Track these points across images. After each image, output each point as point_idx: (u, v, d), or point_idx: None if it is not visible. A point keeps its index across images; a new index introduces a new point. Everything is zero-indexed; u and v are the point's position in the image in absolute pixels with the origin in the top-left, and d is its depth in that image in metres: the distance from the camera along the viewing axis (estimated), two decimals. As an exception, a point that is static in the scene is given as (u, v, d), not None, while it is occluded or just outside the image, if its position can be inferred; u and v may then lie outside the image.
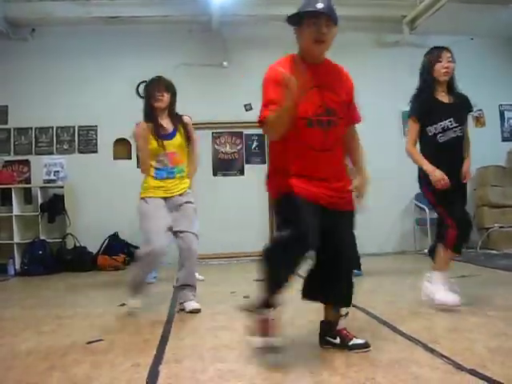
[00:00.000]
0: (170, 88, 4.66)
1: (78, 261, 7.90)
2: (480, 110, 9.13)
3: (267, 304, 2.95)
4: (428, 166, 4.12)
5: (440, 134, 4.22)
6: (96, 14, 8.40)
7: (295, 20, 3.08)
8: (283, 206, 3.00)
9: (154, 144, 4.47)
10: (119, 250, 8.21)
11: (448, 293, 4.09)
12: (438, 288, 4.12)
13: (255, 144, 9.01)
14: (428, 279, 4.23)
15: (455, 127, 4.21)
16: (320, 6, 2.96)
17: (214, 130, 8.85)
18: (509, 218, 8.63)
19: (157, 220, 4.39)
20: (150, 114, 4.56)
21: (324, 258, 3.07)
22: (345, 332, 3.16)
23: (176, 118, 4.64)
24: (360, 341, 3.11)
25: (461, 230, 4.08)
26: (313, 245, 2.86)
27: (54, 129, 8.76)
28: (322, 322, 3.25)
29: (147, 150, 4.47)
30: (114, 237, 8.37)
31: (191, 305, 4.44)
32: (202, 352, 3.19)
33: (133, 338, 3.60)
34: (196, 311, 4.39)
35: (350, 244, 3.33)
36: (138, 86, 8.59)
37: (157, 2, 8.35)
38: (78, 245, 8.25)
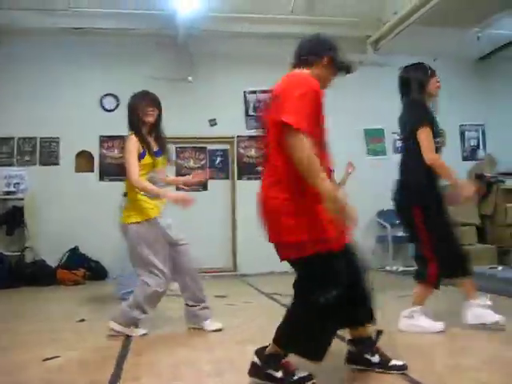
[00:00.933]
0: (159, 104, 4.54)
1: (38, 274, 7.73)
2: (441, 130, 9.25)
3: None
4: (456, 180, 4.03)
5: (436, 149, 4.09)
6: (62, 25, 8.29)
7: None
8: (321, 264, 2.67)
9: (147, 160, 4.27)
10: (79, 265, 8.09)
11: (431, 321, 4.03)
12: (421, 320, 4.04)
13: (219, 159, 8.99)
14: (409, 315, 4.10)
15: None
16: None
17: (178, 145, 8.80)
18: (468, 236, 8.67)
19: (163, 249, 4.27)
20: (138, 129, 4.35)
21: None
22: (382, 351, 3.06)
23: (161, 138, 4.53)
24: (399, 362, 3.02)
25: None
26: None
27: (15, 140, 8.61)
28: (353, 342, 3.09)
29: (137, 165, 4.21)
30: (74, 250, 8.24)
31: (214, 324, 4.31)
32: (160, 369, 3.16)
33: (91, 355, 3.55)
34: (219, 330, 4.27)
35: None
36: (102, 98, 8.56)
37: (123, 15, 8.28)
38: (37, 258, 8.10)
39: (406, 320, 4.09)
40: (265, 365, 2.80)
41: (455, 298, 4.35)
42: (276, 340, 2.79)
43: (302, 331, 2.72)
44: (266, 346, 2.84)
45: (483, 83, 9.67)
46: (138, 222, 4.17)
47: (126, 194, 4.35)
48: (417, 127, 4.09)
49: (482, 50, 9.24)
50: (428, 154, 3.98)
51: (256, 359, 2.83)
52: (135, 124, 4.37)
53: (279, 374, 2.78)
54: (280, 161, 2.68)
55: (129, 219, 4.21)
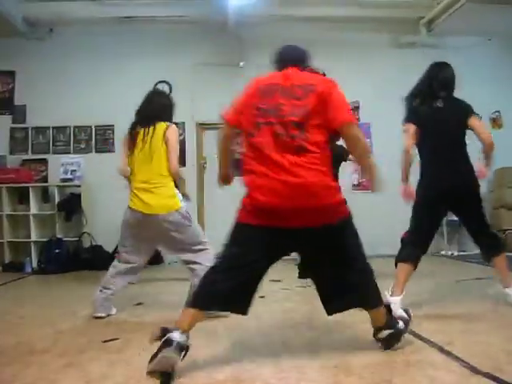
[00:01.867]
0: None
1: (95, 259, 7.90)
2: (498, 111, 9.07)
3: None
4: None
5: None
6: (112, 14, 8.43)
7: None
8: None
9: None
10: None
11: None
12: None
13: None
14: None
15: None
16: None
17: (230, 131, 8.85)
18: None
19: None
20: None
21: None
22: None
23: None
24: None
25: None
26: None
27: (72, 128, 8.82)
28: None
29: None
30: (130, 236, 8.39)
31: None
32: (216, 351, 3.19)
33: (148, 338, 3.60)
34: None
35: None
36: (156, 84, 8.65)
37: (172, 2, 8.36)
38: (94, 244, 8.29)
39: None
40: (390, 328, 3.12)
41: None
42: (371, 304, 3.10)
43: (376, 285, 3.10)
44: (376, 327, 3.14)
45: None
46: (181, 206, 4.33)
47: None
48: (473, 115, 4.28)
49: (541, 27, 8.95)
50: (490, 137, 4.24)
51: (384, 335, 3.11)
52: (171, 115, 4.61)
53: (401, 325, 3.18)
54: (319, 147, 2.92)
55: (177, 205, 4.31)
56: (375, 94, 8.77)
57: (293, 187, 2.81)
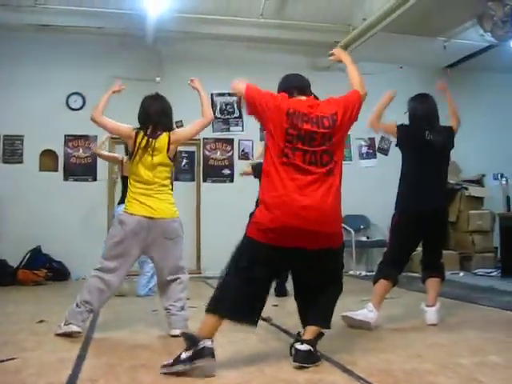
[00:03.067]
0: None
1: (-2, 275, 7.60)
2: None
3: None
4: None
5: None
6: (28, 22, 8.18)
7: None
8: None
9: None
10: (41, 265, 7.97)
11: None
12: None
13: (185, 161, 8.95)
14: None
15: None
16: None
17: (145, 146, 8.75)
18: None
19: None
20: None
21: None
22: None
23: None
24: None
25: None
26: None
27: (-22, 137, 8.49)
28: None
29: None
30: (37, 251, 8.11)
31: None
32: (119, 372, 3.11)
33: (48, 357, 3.47)
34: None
35: None
36: (68, 96, 8.47)
37: (92, 13, 8.19)
38: (-2, 258, 7.97)
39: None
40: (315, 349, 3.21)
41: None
42: (325, 321, 3.32)
43: None
44: (306, 340, 3.20)
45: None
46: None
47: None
48: None
49: (448, 58, 9.36)
50: None
51: (307, 348, 3.15)
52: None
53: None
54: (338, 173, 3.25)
55: (177, 214, 4.27)
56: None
57: (318, 213, 3.11)
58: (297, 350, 3.17)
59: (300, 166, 3.14)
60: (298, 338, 3.25)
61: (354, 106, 3.41)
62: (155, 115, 4.43)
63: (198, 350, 2.96)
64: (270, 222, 3.09)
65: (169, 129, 4.43)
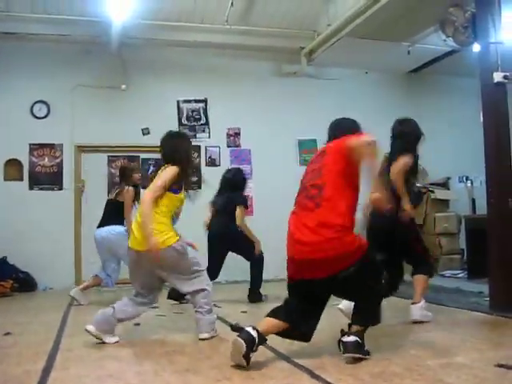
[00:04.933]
0: None
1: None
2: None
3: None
4: None
5: None
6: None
7: None
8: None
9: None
10: (7, 276, 7.82)
11: None
12: None
13: (152, 168, 8.88)
14: None
15: None
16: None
17: (110, 154, 8.67)
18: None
19: None
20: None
21: None
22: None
23: None
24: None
25: None
26: None
27: None
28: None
29: None
30: (2, 261, 7.97)
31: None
32: (86, 383, 3.08)
33: (13, 370, 3.41)
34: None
35: None
36: (33, 105, 8.36)
37: (56, 21, 8.07)
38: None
39: None
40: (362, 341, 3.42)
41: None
42: (363, 320, 3.52)
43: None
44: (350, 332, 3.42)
45: (413, 96, 9.91)
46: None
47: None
48: None
49: (412, 63, 9.46)
50: None
51: (354, 339, 3.35)
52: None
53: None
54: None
55: (169, 241, 4.14)
56: (256, 121, 8.92)
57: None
58: (344, 342, 3.35)
59: None
60: (344, 332, 3.43)
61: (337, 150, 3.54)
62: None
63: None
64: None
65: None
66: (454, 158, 9.63)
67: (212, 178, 8.76)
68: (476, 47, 6.10)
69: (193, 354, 3.51)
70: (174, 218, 4.58)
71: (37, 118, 8.45)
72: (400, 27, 7.69)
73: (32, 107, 8.45)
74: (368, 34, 7.86)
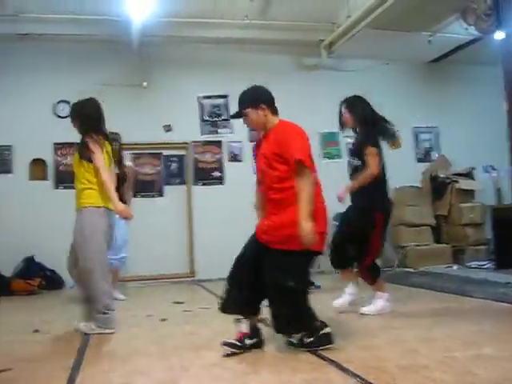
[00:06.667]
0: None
1: (-9, 285, 7.56)
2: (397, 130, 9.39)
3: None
4: None
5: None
6: (12, 31, 8.10)
7: None
8: None
9: None
10: (35, 274, 7.92)
11: None
12: None
13: (174, 165, 8.93)
14: None
15: (352, 159, 5.05)
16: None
17: (134, 151, 8.73)
18: (424, 236, 8.90)
19: None
20: None
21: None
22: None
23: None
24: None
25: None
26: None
27: (-33, 148, 8.43)
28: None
29: None
30: (30, 260, 8.07)
31: None
32: (113, 379, 3.10)
33: (44, 366, 3.46)
34: None
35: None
36: (56, 104, 8.44)
37: (76, 20, 8.15)
38: (-10, 268, 7.93)
39: None
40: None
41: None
42: None
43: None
44: None
45: (435, 86, 9.84)
46: None
47: None
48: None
49: (433, 53, 9.39)
50: None
51: None
52: None
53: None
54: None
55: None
56: (280, 115, 8.88)
57: None
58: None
59: None
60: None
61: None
62: None
63: None
64: None
65: None
66: (477, 148, 9.52)
67: (235, 174, 8.88)
68: (499, 35, 6.04)
69: (220, 348, 3.52)
70: None
71: (60, 117, 8.52)
72: (420, 17, 7.64)
73: (55, 107, 8.54)
74: (388, 25, 7.81)
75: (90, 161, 4.53)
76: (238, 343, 3.51)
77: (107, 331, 4.39)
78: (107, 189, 4.44)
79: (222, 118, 9.01)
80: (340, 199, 4.87)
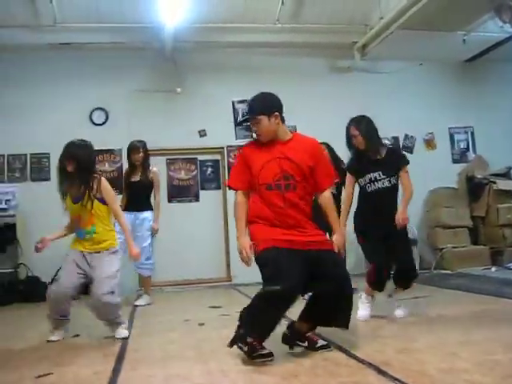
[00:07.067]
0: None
1: (31, 291, 7.66)
2: (431, 133, 9.32)
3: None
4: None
5: (368, 185, 4.78)
6: (49, 41, 8.28)
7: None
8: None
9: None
10: (74, 279, 8.02)
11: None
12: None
13: (210, 170, 8.99)
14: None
15: (383, 178, 4.72)
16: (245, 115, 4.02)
17: (169, 157, 8.81)
18: (461, 238, 8.80)
19: None
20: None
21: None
22: (311, 336, 3.73)
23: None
24: (323, 342, 3.69)
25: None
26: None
27: (6, 157, 8.59)
28: (291, 328, 3.76)
29: None
30: (69, 266, 8.17)
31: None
32: (154, 383, 3.14)
33: (83, 371, 3.51)
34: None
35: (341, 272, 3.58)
36: (92, 112, 8.58)
37: (108, 29, 8.26)
38: (30, 275, 8.06)
39: None
40: None
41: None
42: None
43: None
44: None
45: (470, 86, 9.71)
46: None
47: None
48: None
49: (468, 52, 9.28)
50: None
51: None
52: None
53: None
54: None
55: None
56: (311, 117, 8.86)
57: None
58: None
59: None
60: None
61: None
62: None
63: None
64: None
65: None
66: (514, 147, 9.40)
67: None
68: (535, 32, 5.96)
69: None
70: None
71: (96, 124, 8.65)
72: (454, 16, 7.56)
73: (91, 114, 8.67)
74: (421, 25, 7.74)
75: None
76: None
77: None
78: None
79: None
80: (407, 220, 4.74)
